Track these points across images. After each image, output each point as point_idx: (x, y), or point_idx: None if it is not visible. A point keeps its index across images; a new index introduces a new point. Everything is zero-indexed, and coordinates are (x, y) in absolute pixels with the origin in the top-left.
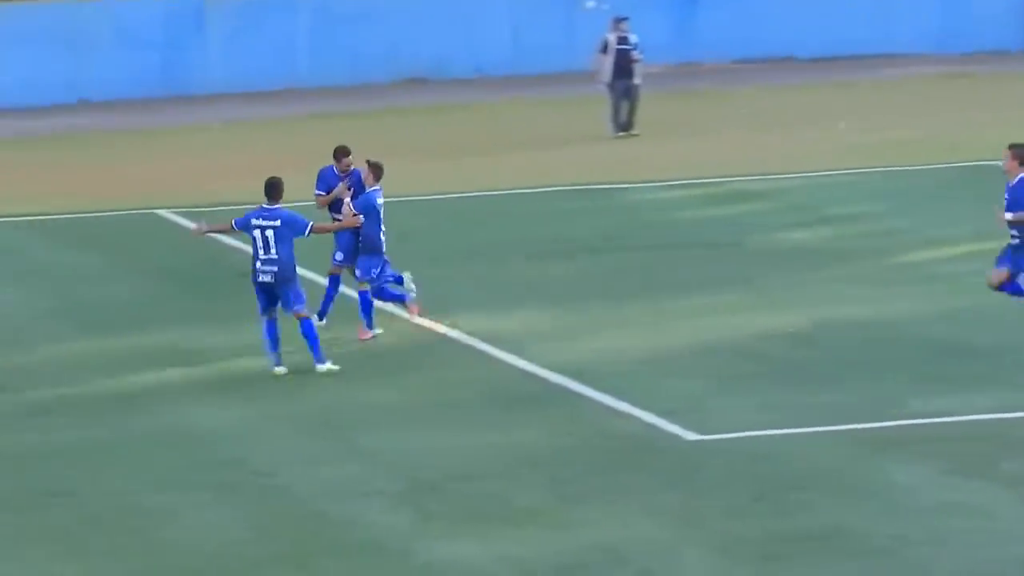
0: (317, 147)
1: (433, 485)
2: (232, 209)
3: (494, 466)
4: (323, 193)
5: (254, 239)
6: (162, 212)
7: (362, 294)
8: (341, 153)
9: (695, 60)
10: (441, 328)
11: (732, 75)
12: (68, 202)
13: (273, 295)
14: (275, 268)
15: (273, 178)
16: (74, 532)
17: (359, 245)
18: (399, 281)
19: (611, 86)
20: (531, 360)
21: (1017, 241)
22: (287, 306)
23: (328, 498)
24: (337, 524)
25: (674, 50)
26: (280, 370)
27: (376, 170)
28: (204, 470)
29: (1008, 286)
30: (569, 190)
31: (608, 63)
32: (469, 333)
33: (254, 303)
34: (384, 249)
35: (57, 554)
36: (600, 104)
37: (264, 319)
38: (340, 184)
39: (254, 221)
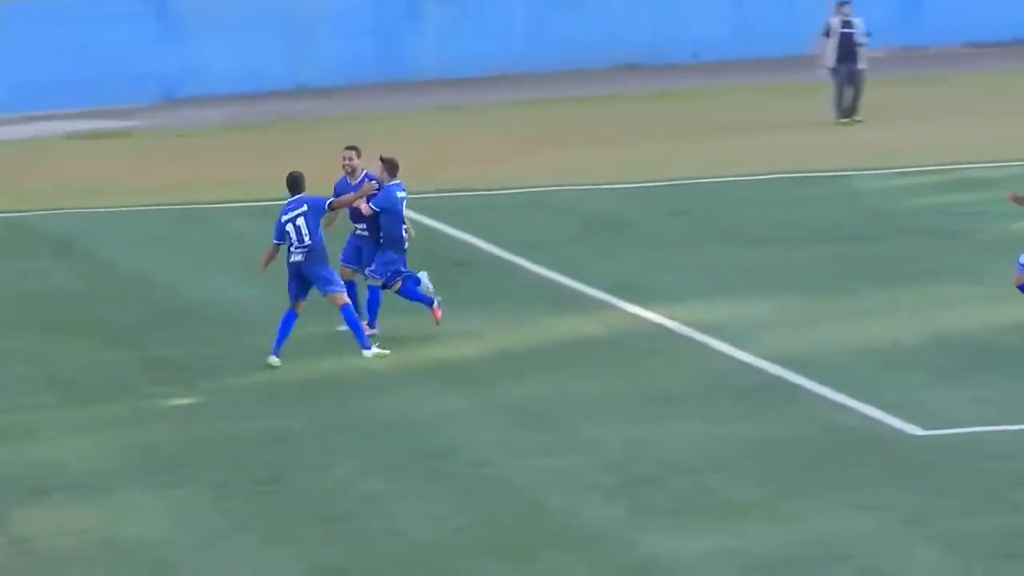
0: (532, 133)
1: (650, 478)
2: (448, 196)
3: (712, 459)
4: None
5: (288, 235)
6: None
7: (372, 290)
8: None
9: (921, 44)
10: (657, 318)
11: (959, 59)
12: (279, 187)
13: (305, 279)
14: (307, 250)
15: (294, 172)
16: (286, 519)
17: (379, 241)
18: (416, 282)
19: (834, 71)
20: (749, 351)
21: None
22: (322, 287)
23: (544, 489)
24: (553, 515)
25: (899, 33)
26: (274, 360)
27: (391, 166)
28: (418, 458)
29: None
30: (790, 177)
31: (831, 47)
32: (686, 323)
33: (471, 291)
34: (405, 246)
35: (268, 540)
36: (823, 89)
37: (289, 309)
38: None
39: (284, 218)
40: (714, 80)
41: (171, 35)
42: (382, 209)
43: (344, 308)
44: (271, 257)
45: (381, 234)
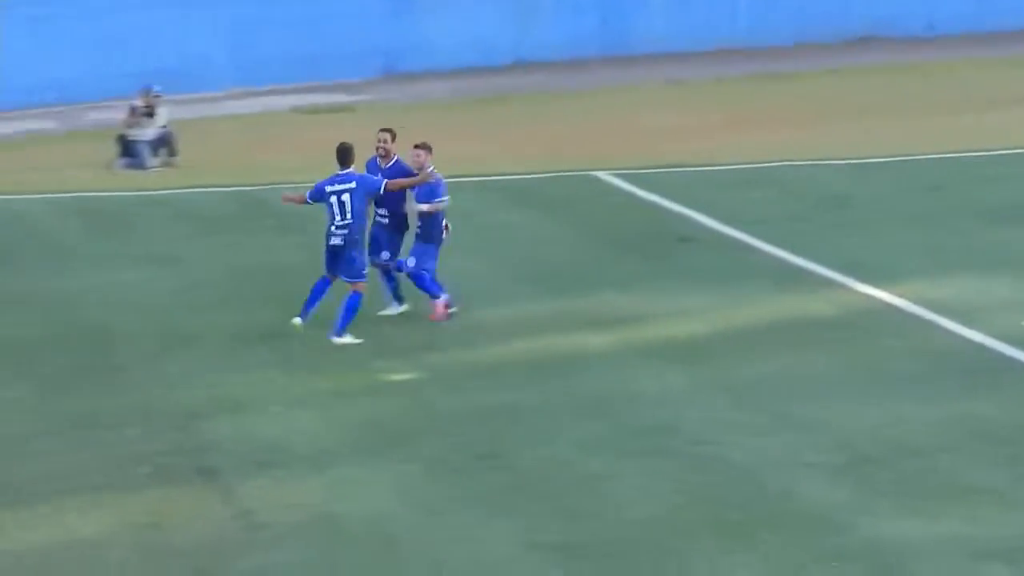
0: (759, 108)
1: (876, 458)
2: (672, 171)
3: (942, 441)
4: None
5: (330, 206)
6: (600, 174)
7: (417, 277)
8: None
9: None
10: (886, 296)
11: None
12: (508, 163)
13: (337, 261)
14: (346, 232)
15: (344, 143)
16: (506, 494)
17: (420, 232)
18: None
19: None
20: (983, 331)
21: None
22: (346, 274)
23: (765, 468)
24: (775, 495)
25: None
26: (298, 322)
27: (427, 150)
28: (637, 436)
29: None
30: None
31: None
32: (915, 301)
33: (694, 267)
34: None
35: (489, 516)
36: None
37: (325, 276)
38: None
39: (328, 188)
40: (951, 53)
41: (399, 9)
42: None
43: (355, 295)
44: (296, 201)
45: (421, 225)
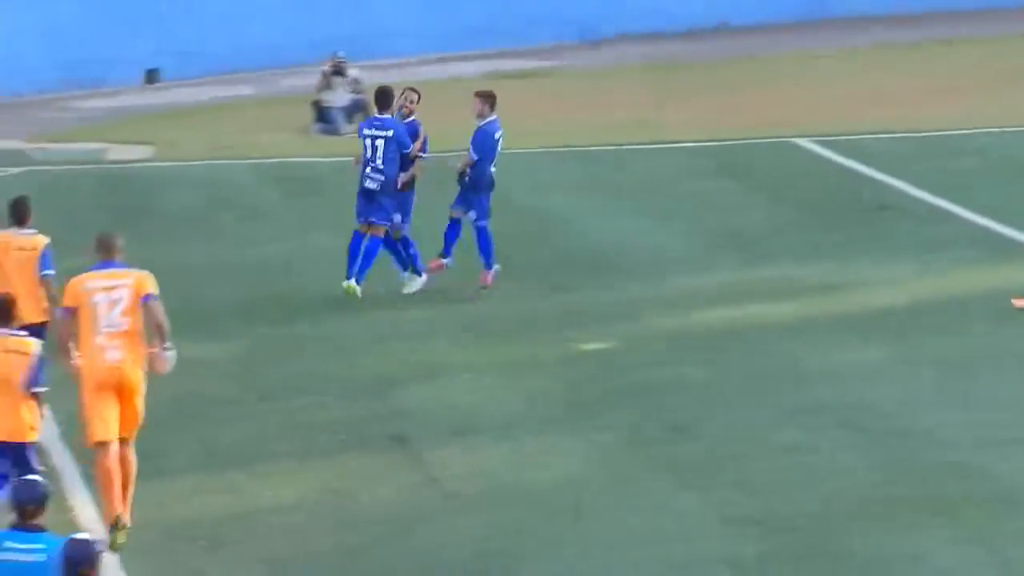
0: (957, 73)
1: None
2: (874, 138)
3: None
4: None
5: (364, 148)
6: (800, 141)
7: (481, 232)
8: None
9: None
10: None
11: None
12: (702, 130)
13: (369, 204)
14: (382, 178)
15: (384, 87)
16: (697, 466)
17: (472, 183)
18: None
19: None
20: None
21: None
22: (376, 216)
23: (965, 446)
24: (976, 473)
25: None
26: (350, 284)
27: (489, 99)
28: (832, 409)
29: None
30: None
31: None
32: None
33: (896, 237)
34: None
35: (682, 488)
36: None
37: (356, 232)
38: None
39: (366, 131)
40: None
41: None
42: (481, 157)
43: (374, 240)
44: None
45: (471, 175)
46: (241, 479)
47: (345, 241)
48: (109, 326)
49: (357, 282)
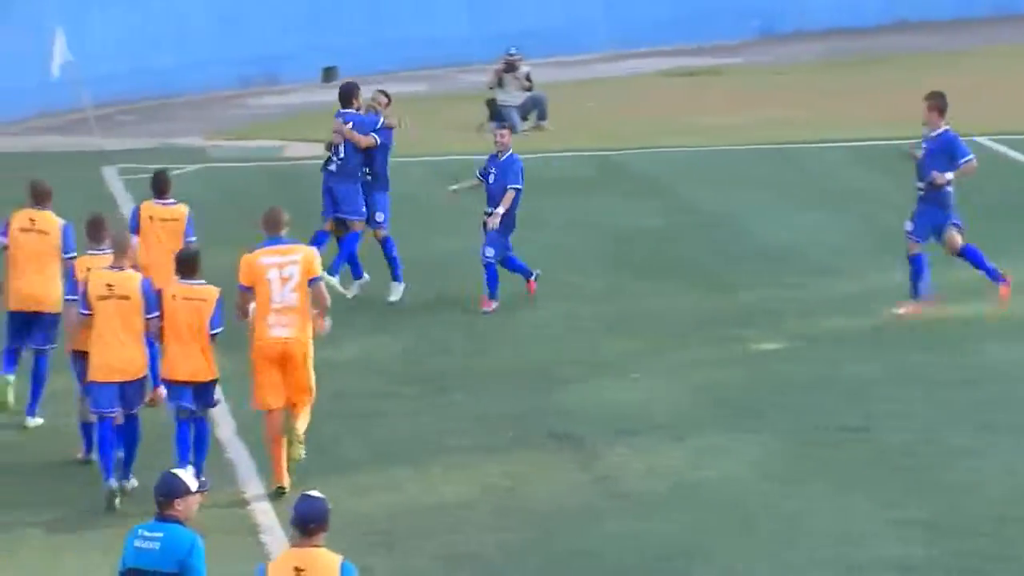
0: None
1: None
2: None
3: None
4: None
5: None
6: (981, 139)
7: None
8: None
9: None
10: None
11: None
12: (878, 127)
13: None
14: (340, 164)
15: (348, 82)
16: (868, 468)
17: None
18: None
19: None
20: None
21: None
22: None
23: None
24: None
25: None
26: (332, 279)
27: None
28: (1006, 410)
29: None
30: None
31: None
32: None
33: None
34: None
35: (850, 489)
36: None
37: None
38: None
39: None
40: None
41: None
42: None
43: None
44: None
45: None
46: (410, 475)
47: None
48: (281, 302)
49: (332, 273)
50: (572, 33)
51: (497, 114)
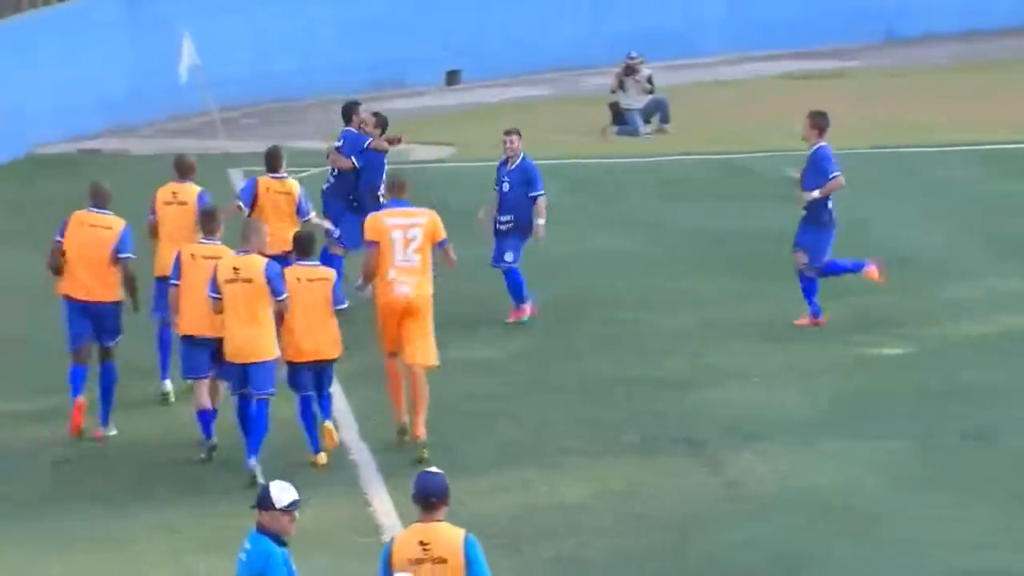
0: None
1: None
2: None
3: None
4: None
5: None
6: None
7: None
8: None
9: None
10: None
11: None
12: (1005, 130)
13: None
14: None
15: (347, 103)
16: (989, 477)
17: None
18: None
19: None
20: None
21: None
22: None
23: None
24: None
25: None
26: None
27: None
28: None
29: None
30: None
31: None
32: None
33: None
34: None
35: (972, 498)
36: None
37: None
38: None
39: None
40: None
41: None
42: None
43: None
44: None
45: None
46: (533, 477)
47: (628, 240)
48: (404, 261)
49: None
50: (692, 36)
51: (620, 117)
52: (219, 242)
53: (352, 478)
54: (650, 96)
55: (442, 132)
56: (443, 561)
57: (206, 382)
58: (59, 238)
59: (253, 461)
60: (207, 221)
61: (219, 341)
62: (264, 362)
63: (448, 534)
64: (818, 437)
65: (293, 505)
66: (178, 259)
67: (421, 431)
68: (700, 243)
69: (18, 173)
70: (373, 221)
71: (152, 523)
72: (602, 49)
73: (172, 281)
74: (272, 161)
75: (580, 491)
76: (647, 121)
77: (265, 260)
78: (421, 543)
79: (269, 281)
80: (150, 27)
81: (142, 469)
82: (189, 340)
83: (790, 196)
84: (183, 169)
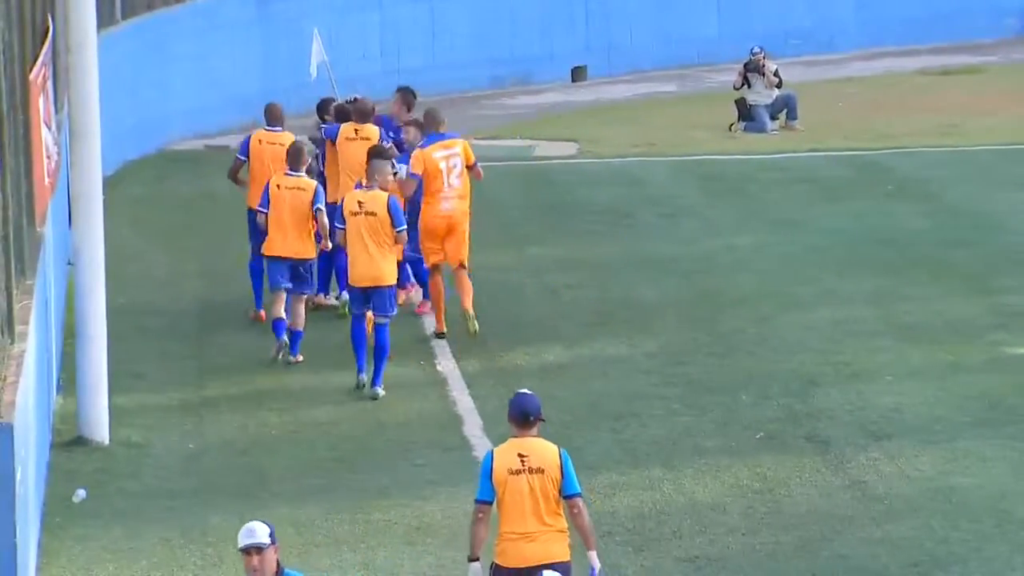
0: None
1: None
2: None
3: None
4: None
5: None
6: None
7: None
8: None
9: None
10: None
11: None
12: None
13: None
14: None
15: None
16: None
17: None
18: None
19: None
20: None
21: None
22: None
23: None
24: None
25: None
26: None
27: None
28: None
29: None
30: None
31: None
32: None
33: None
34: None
35: None
36: None
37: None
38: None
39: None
40: None
41: None
42: None
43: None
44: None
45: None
46: (661, 475)
47: (762, 239)
48: (448, 187)
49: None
50: (822, 32)
51: (747, 114)
52: (303, 175)
53: (475, 473)
54: (777, 92)
55: (567, 129)
56: (540, 471)
57: (282, 295)
58: (242, 156)
59: (379, 389)
60: (293, 157)
61: (297, 261)
62: (385, 287)
63: (544, 447)
64: (950, 437)
65: (246, 548)
66: (267, 190)
67: (469, 304)
68: (838, 241)
69: (151, 169)
70: (421, 155)
71: (283, 516)
72: (729, 45)
73: (261, 209)
74: (363, 114)
75: (707, 489)
76: (774, 118)
77: (388, 195)
78: (520, 455)
79: (391, 213)
80: (280, 25)
81: (272, 463)
82: (273, 260)
83: (928, 194)
84: (362, 113)
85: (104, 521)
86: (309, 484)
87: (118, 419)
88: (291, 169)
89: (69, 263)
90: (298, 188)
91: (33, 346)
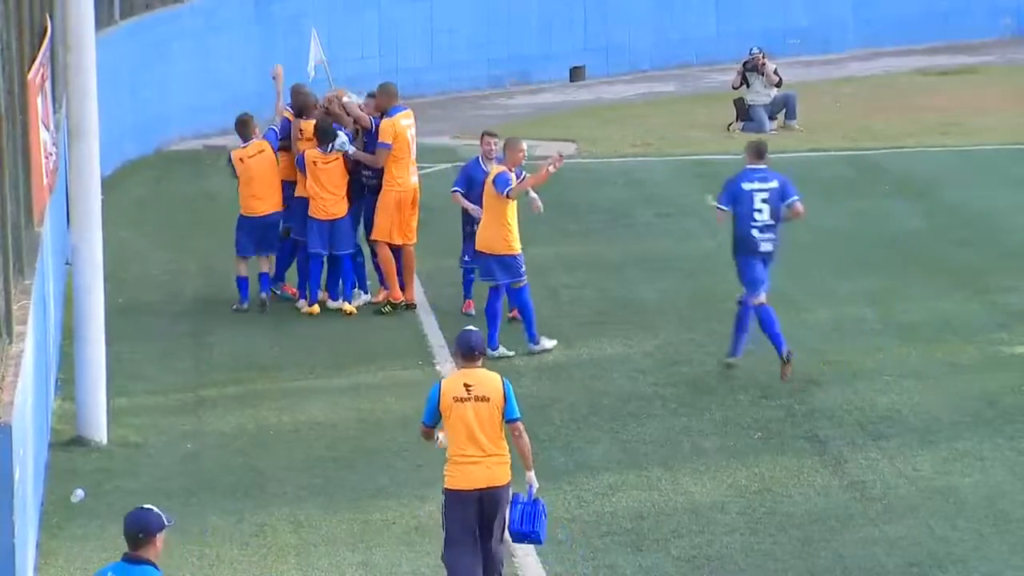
0: None
1: None
2: None
3: None
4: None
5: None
6: None
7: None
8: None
9: None
10: None
11: None
12: None
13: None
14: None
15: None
16: None
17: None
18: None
19: None
20: None
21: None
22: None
23: None
24: None
25: None
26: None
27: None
28: None
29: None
30: None
31: None
32: None
33: None
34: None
35: None
36: None
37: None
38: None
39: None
40: None
41: None
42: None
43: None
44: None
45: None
46: (659, 475)
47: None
48: (415, 155)
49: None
50: (820, 32)
51: (745, 114)
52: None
53: None
54: (777, 91)
55: (565, 128)
56: (485, 399)
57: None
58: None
59: (533, 344)
60: (322, 136)
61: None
62: (508, 255)
63: (488, 377)
64: (948, 437)
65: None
66: (302, 161)
67: (413, 294)
68: (838, 240)
69: (149, 169)
70: (390, 124)
71: (281, 515)
72: (727, 45)
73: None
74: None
75: (706, 489)
76: (773, 117)
77: (501, 168)
78: (466, 384)
79: (495, 185)
80: (278, 25)
81: (270, 463)
82: (316, 222)
83: (926, 193)
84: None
85: (102, 521)
86: (307, 484)
87: (116, 419)
88: (321, 146)
89: (67, 263)
90: (335, 161)
91: (31, 346)
